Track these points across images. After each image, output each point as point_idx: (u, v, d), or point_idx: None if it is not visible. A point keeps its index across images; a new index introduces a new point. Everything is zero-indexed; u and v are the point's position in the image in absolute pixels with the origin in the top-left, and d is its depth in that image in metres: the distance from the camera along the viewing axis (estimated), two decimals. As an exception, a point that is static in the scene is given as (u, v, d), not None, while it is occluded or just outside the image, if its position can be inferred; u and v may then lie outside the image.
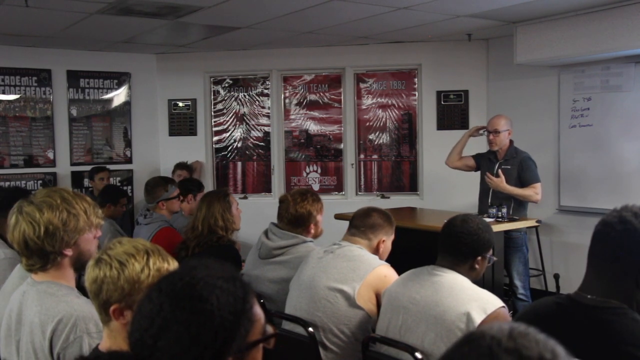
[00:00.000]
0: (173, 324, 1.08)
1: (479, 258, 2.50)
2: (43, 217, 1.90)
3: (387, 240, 3.02)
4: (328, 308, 2.76)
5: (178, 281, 1.13)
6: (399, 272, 2.75)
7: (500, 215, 4.47)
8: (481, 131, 5.07)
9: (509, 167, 4.77)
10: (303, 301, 2.85)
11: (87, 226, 1.97)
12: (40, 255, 1.93)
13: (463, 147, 5.12)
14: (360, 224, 3.00)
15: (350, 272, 2.79)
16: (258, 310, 1.16)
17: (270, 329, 1.18)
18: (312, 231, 3.37)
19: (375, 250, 2.98)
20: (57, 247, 1.93)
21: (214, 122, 7.15)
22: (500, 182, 4.64)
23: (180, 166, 6.55)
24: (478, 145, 5.30)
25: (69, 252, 1.96)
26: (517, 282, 4.73)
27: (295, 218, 3.31)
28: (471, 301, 2.35)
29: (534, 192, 4.66)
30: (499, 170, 4.73)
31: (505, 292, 4.78)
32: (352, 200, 6.69)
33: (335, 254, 2.89)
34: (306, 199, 3.33)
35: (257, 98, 7.06)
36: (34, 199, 1.95)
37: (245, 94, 7.09)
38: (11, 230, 1.94)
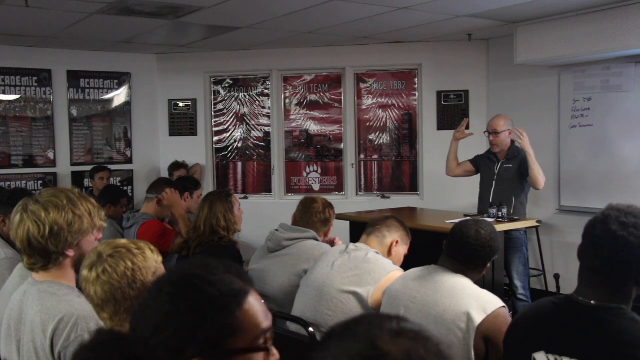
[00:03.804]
0: (148, 309, 1.10)
1: (488, 265, 2.55)
2: (49, 217, 1.90)
3: (400, 244, 3.07)
4: (339, 308, 2.77)
5: (176, 275, 1.14)
6: (400, 272, 2.77)
7: (500, 215, 4.47)
8: (467, 131, 5.06)
9: (510, 165, 4.77)
10: (313, 299, 2.86)
11: (90, 228, 1.97)
12: (42, 254, 1.93)
13: (456, 154, 5.08)
14: (377, 223, 3.09)
15: (365, 274, 2.81)
16: (251, 319, 1.10)
17: (265, 343, 1.12)
18: (327, 236, 3.56)
19: (388, 251, 3.01)
20: (60, 248, 1.93)
21: (214, 122, 7.15)
22: (526, 140, 4.59)
23: (177, 166, 6.55)
24: (478, 148, 5.30)
25: (71, 252, 1.96)
26: (517, 283, 4.73)
27: (325, 221, 3.54)
28: (471, 301, 2.35)
29: (542, 174, 4.62)
30: (521, 133, 4.63)
31: (505, 292, 4.78)
32: (353, 201, 6.69)
33: (352, 255, 2.91)
34: (331, 206, 3.64)
35: (258, 98, 7.07)
36: (39, 197, 1.95)
37: (246, 94, 7.09)
38: (15, 228, 1.93)
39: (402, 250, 3.08)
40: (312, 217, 3.48)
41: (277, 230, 3.43)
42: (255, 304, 1.12)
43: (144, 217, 4.11)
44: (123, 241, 1.84)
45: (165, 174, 6.68)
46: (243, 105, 7.11)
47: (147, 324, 1.08)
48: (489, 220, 4.25)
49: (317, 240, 3.38)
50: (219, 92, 7.14)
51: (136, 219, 4.10)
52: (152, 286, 1.15)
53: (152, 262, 1.80)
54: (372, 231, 3.06)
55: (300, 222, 3.48)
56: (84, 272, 1.77)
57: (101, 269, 1.74)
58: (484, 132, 4.95)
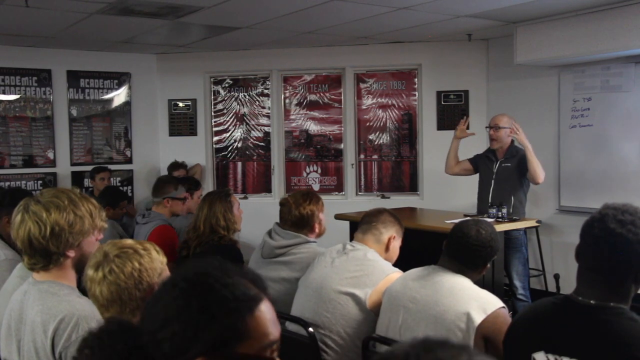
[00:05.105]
0: (159, 304, 1.10)
1: (488, 265, 2.56)
2: (50, 218, 1.89)
3: (397, 239, 3.03)
4: (337, 309, 2.76)
5: (191, 270, 1.13)
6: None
7: (500, 215, 4.46)
8: (468, 131, 5.07)
9: (509, 164, 4.78)
10: (312, 300, 2.85)
11: (91, 229, 1.97)
12: (43, 255, 1.93)
13: (456, 152, 5.08)
14: (371, 220, 3.02)
15: (364, 276, 2.79)
16: (260, 327, 1.09)
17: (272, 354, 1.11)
18: (317, 230, 3.38)
19: (386, 248, 2.98)
20: (61, 248, 1.93)
21: (214, 122, 7.15)
22: (522, 135, 4.63)
23: (176, 166, 6.54)
24: (478, 146, 5.31)
25: (72, 253, 1.96)
26: (517, 283, 4.73)
27: (299, 220, 3.32)
28: (471, 301, 2.35)
29: (541, 167, 4.61)
30: (517, 128, 4.65)
31: (505, 292, 4.78)
32: (352, 201, 6.69)
33: (349, 256, 2.89)
34: (307, 200, 3.35)
35: (257, 98, 7.07)
36: (40, 198, 1.94)
37: (246, 94, 7.09)
38: (16, 228, 1.93)
39: (398, 243, 3.05)
40: (285, 224, 3.36)
41: (269, 234, 3.39)
42: (266, 313, 1.11)
43: (160, 218, 4.11)
44: (129, 241, 1.84)
45: (165, 174, 6.68)
46: (243, 105, 7.11)
47: (157, 317, 1.08)
48: (489, 220, 4.25)
49: (309, 242, 3.30)
50: (218, 92, 7.14)
51: (151, 218, 4.10)
52: (166, 281, 1.15)
53: (158, 264, 1.81)
54: (368, 229, 2.99)
55: (284, 227, 3.38)
56: (90, 271, 1.77)
57: (108, 269, 1.74)
58: (485, 127, 4.98)
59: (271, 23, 5.31)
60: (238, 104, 7.11)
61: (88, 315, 1.84)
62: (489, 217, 4.45)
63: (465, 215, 4.49)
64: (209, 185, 6.91)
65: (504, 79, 6.28)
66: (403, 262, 2.97)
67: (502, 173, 4.80)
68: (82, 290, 1.95)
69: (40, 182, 6.44)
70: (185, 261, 3.40)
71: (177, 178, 5.38)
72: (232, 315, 1.07)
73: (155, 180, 4.53)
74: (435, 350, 0.76)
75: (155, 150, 7.09)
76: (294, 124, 7.04)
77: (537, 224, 4.94)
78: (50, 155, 6.51)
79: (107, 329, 1.19)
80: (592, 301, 1.74)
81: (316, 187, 6.94)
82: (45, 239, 1.90)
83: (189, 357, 1.05)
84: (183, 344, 1.05)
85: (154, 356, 1.07)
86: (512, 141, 4.81)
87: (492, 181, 4.83)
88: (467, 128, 5.16)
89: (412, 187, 6.82)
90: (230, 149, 7.17)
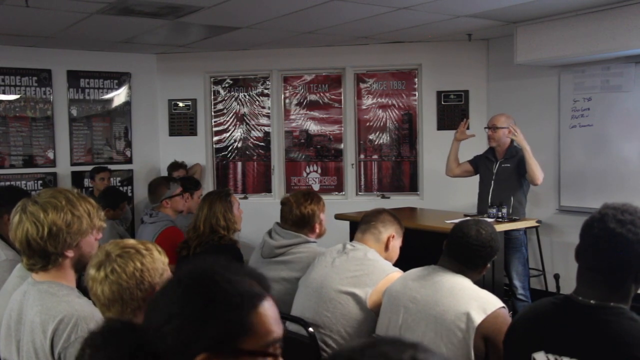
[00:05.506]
0: (164, 299, 1.11)
1: (488, 265, 2.55)
2: (47, 218, 1.89)
3: (397, 238, 3.03)
4: (338, 309, 2.76)
5: (196, 270, 1.15)
6: (400, 272, 2.76)
7: (500, 216, 4.47)
8: (468, 132, 5.07)
9: (508, 165, 4.78)
10: (312, 300, 2.85)
11: (89, 228, 1.97)
12: (41, 255, 1.93)
13: (456, 154, 5.10)
14: (371, 219, 3.02)
15: (364, 276, 2.79)
16: (263, 324, 1.10)
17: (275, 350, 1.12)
18: (318, 230, 3.38)
19: (385, 247, 2.98)
20: (59, 249, 1.93)
21: (214, 122, 7.15)
22: (521, 137, 4.61)
23: (175, 166, 6.54)
24: (478, 147, 5.31)
25: (70, 253, 1.96)
26: (517, 283, 4.74)
27: (300, 219, 3.31)
28: (471, 301, 2.35)
29: (539, 169, 4.60)
30: (515, 129, 4.65)
31: (505, 292, 4.78)
32: (352, 201, 6.69)
33: (349, 255, 2.89)
34: (308, 199, 3.34)
35: (257, 98, 7.07)
36: (38, 198, 1.95)
37: (246, 94, 7.09)
38: (14, 229, 1.94)
39: (397, 243, 3.05)
40: (286, 223, 3.36)
41: (269, 234, 3.39)
42: (269, 311, 1.13)
43: (168, 220, 4.10)
44: (131, 241, 1.85)
45: (165, 174, 6.68)
46: (243, 105, 7.11)
47: (162, 313, 1.09)
48: (489, 220, 4.25)
49: (309, 242, 3.30)
50: (218, 92, 7.14)
51: (159, 218, 4.09)
52: (172, 278, 1.17)
53: (159, 264, 1.81)
54: (367, 228, 3.00)
55: (284, 227, 3.38)
56: (91, 271, 1.77)
57: (110, 269, 1.74)
58: (484, 128, 4.99)
59: (271, 23, 5.31)
60: (238, 104, 7.11)
61: (87, 315, 1.84)
62: (489, 217, 4.46)
63: (465, 215, 4.49)
64: (209, 185, 6.91)
65: (504, 79, 6.28)
66: (403, 262, 2.97)
67: (502, 173, 4.81)
68: (82, 289, 1.95)
69: (40, 182, 6.44)
70: (186, 261, 3.40)
71: (172, 177, 5.38)
72: (235, 311, 1.08)
73: (147, 187, 4.52)
74: (380, 346, 0.78)
75: (155, 150, 7.09)
76: (294, 124, 7.04)
77: (537, 224, 4.94)
78: (50, 155, 6.51)
79: (109, 328, 1.19)
80: (592, 301, 1.74)
81: (316, 187, 6.94)
82: (43, 239, 1.90)
83: (193, 351, 1.06)
84: (187, 338, 1.06)
85: (158, 351, 1.08)
86: (512, 141, 4.82)
87: (492, 182, 4.84)
88: (467, 129, 5.17)
89: (412, 187, 6.82)
90: (230, 149, 7.17)
